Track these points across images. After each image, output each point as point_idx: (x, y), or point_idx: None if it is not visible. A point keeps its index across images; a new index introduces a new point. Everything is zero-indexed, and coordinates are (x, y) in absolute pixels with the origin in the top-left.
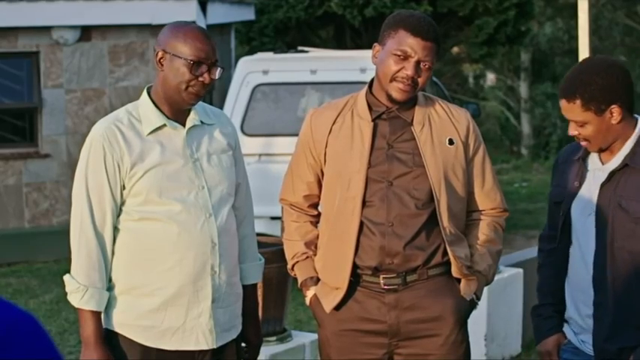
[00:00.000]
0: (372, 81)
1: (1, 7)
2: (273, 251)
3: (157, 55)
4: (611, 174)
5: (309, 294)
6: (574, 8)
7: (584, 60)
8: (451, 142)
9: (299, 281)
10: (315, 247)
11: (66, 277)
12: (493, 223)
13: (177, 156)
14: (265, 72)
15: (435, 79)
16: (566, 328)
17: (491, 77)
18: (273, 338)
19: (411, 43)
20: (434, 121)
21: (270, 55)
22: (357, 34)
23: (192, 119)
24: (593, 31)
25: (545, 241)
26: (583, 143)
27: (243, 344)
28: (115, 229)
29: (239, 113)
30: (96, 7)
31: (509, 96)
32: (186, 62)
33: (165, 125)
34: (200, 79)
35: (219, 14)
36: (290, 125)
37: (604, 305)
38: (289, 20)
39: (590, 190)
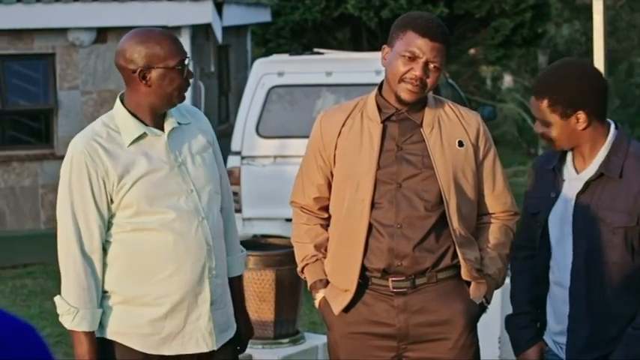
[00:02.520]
0: (381, 83)
1: (17, 8)
2: (286, 253)
3: (139, 73)
4: (587, 184)
5: (319, 297)
6: (591, 10)
7: (561, 61)
8: (461, 144)
9: (308, 284)
10: (326, 250)
11: (57, 299)
12: (504, 227)
13: (162, 163)
14: (281, 74)
15: (450, 80)
16: (546, 336)
17: (508, 79)
18: (286, 340)
19: (419, 44)
20: (444, 123)
21: (285, 56)
22: (374, 36)
23: (171, 122)
24: (611, 33)
25: (520, 249)
26: (546, 142)
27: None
28: (107, 242)
29: (254, 115)
30: (112, 8)
31: (526, 98)
32: (175, 70)
33: (145, 134)
34: (187, 78)
35: (235, 16)
36: (305, 127)
37: (579, 319)
38: (305, 22)
39: (566, 200)
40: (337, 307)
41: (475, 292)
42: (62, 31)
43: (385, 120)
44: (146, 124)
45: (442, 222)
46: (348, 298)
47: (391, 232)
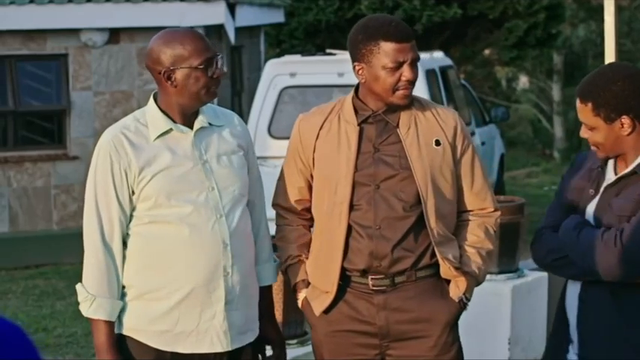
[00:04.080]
0: (357, 85)
1: (30, 9)
2: None
3: (163, 74)
4: (619, 179)
5: (301, 297)
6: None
7: (608, 64)
8: (438, 143)
9: (291, 284)
10: (308, 251)
11: (77, 286)
12: (484, 224)
13: (185, 159)
14: (292, 75)
15: (463, 81)
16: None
17: (523, 80)
18: (294, 341)
19: (399, 51)
20: (420, 123)
21: (297, 57)
22: None
23: (200, 121)
24: (626, 34)
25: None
26: (593, 147)
27: (265, 346)
28: (127, 235)
29: (266, 116)
30: (124, 9)
31: (541, 99)
32: (199, 69)
33: (171, 129)
34: (214, 76)
35: (248, 17)
36: None
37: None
38: (319, 23)
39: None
40: (318, 308)
41: (454, 289)
42: (75, 32)
43: (362, 122)
44: (175, 122)
45: (421, 222)
46: (328, 299)
47: (370, 233)
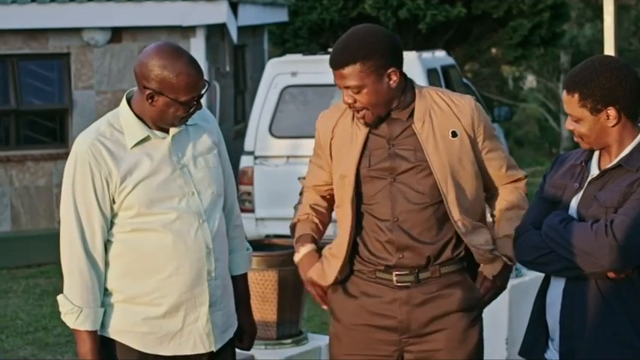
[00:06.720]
0: None
1: (32, 8)
2: (289, 254)
3: (144, 90)
4: (603, 172)
5: (303, 251)
6: (602, 10)
7: (596, 57)
8: (454, 134)
9: (294, 238)
10: (320, 214)
11: (60, 298)
12: (516, 190)
13: (164, 165)
14: (294, 74)
15: (465, 80)
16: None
17: (530, 79)
18: (289, 341)
19: (334, 76)
20: (435, 115)
21: (298, 56)
22: None
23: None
24: (633, 34)
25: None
26: (577, 139)
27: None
28: (108, 242)
29: (267, 115)
30: (126, 8)
31: (548, 98)
32: (182, 106)
33: (149, 137)
34: (193, 111)
35: (250, 16)
36: None
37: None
38: (323, 22)
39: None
40: (330, 276)
41: (489, 269)
42: (77, 31)
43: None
44: (150, 127)
45: (442, 214)
46: (337, 265)
47: (389, 226)
